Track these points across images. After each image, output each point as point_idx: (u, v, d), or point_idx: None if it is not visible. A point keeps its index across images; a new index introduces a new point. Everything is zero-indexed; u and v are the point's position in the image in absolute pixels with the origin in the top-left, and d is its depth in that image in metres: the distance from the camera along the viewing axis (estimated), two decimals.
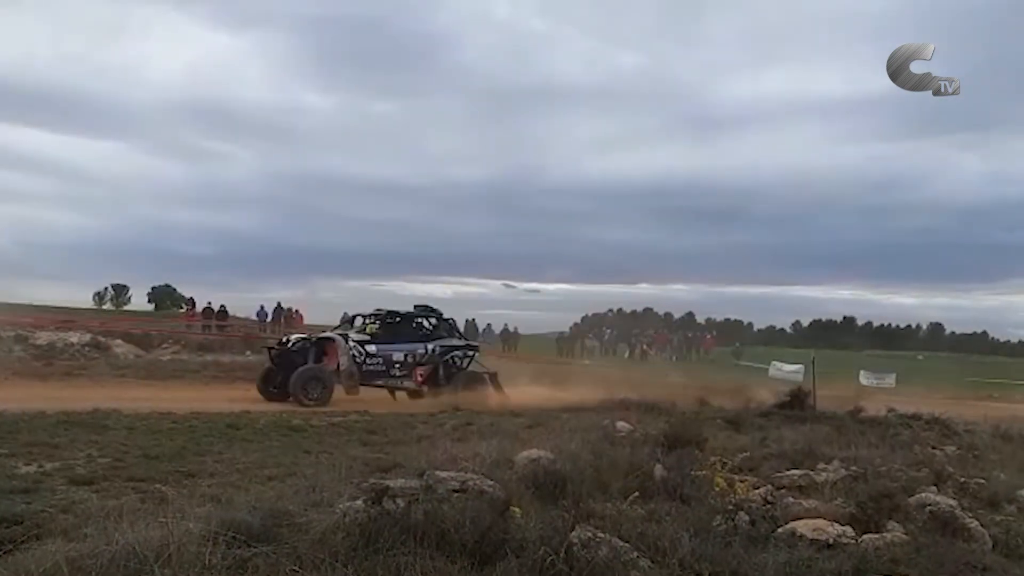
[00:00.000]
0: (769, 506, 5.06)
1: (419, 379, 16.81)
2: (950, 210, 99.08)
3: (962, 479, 7.16)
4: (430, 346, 17.08)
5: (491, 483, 5.47)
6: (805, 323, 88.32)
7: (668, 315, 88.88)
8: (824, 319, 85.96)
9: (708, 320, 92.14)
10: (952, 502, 6.38)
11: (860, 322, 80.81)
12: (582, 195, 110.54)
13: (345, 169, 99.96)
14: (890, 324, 78.90)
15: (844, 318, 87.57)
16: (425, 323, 17.66)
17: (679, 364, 33.76)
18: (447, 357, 17.24)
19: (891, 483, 6.81)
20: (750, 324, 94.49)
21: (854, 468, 7.17)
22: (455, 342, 17.80)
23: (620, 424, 9.79)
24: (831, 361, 43.75)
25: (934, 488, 6.66)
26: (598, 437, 8.45)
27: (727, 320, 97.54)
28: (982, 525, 5.64)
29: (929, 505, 6.11)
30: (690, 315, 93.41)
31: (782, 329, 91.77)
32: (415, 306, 18.38)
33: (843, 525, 4.90)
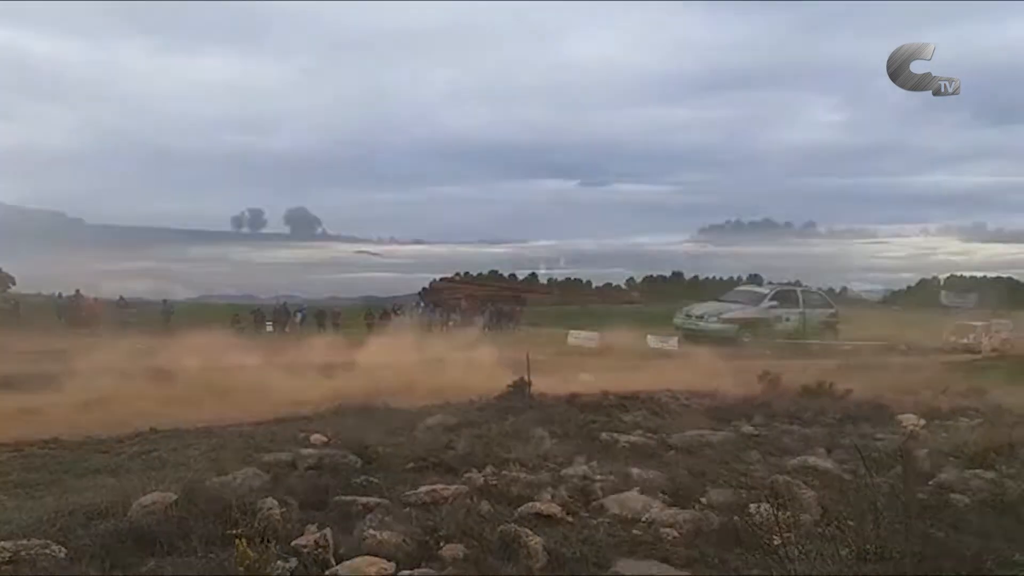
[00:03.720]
0: (320, 549, 5.27)
1: None
2: (799, 157, 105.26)
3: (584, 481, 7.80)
4: None
5: (63, 550, 5.32)
6: (639, 279, 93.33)
7: (512, 276, 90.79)
8: (655, 274, 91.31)
9: (550, 280, 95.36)
10: (556, 509, 6.93)
11: (688, 276, 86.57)
12: (437, 152, 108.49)
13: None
14: (714, 276, 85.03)
15: (673, 273, 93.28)
16: None
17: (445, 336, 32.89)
18: None
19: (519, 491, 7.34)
20: (589, 282, 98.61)
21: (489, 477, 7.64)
22: None
23: (315, 437, 9.61)
24: (648, 319, 46.18)
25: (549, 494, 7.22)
26: (273, 461, 8.30)
27: (568, 279, 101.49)
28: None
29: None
30: (533, 275, 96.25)
31: (618, 286, 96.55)
32: None
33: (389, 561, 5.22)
